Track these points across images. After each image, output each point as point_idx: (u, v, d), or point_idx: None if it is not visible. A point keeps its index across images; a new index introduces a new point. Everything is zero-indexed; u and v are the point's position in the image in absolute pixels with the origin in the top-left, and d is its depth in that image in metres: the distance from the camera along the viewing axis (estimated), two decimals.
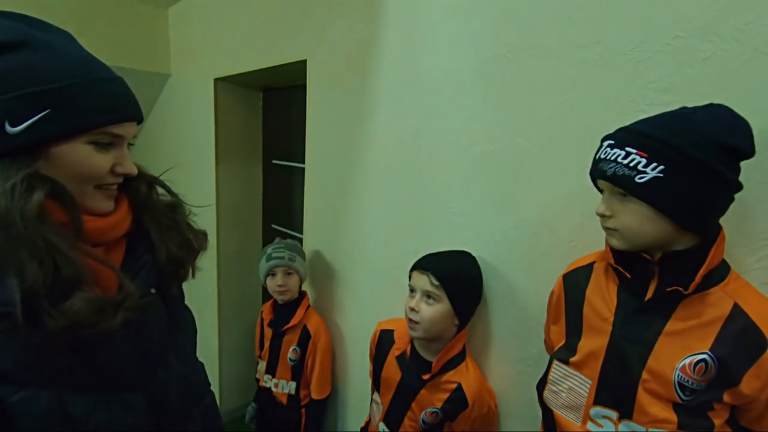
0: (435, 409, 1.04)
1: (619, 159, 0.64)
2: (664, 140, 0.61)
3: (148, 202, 0.69)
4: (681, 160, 0.60)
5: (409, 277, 1.08)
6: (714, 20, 0.70)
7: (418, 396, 1.07)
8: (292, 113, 2.08)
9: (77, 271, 0.54)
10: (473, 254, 1.08)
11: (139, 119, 0.64)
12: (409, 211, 1.27)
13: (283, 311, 1.61)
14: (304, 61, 1.57)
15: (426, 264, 1.04)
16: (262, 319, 1.71)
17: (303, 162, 1.70)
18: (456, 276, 1.02)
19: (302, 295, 1.63)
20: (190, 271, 0.76)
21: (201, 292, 2.43)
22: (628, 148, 0.63)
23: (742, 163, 0.64)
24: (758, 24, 0.66)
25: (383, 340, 1.21)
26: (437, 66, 1.13)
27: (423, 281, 1.03)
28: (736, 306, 0.63)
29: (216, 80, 2.10)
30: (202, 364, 0.85)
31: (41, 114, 0.53)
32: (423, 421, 1.06)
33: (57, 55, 0.56)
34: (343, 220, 1.53)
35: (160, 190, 0.73)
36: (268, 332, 1.65)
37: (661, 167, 0.61)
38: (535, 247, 0.97)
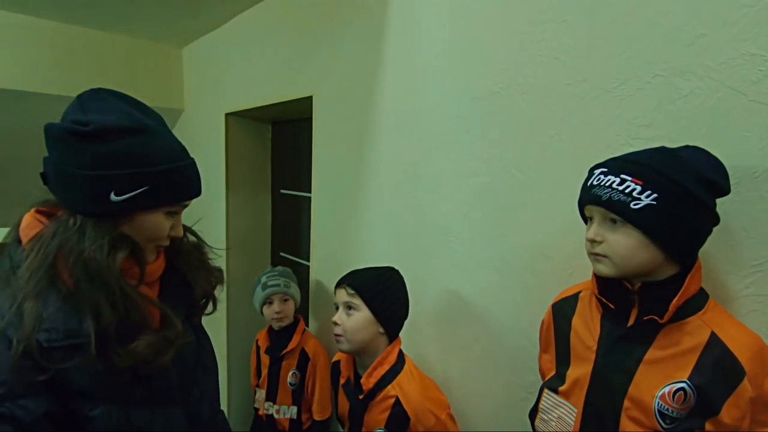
0: (381, 430, 1.03)
1: (614, 185, 0.66)
2: (658, 170, 0.64)
3: (180, 247, 0.81)
4: (674, 190, 0.63)
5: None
6: (690, 60, 0.75)
7: (364, 420, 1.07)
8: (299, 144, 2.16)
9: (143, 316, 0.66)
10: (476, 276, 1.11)
11: (200, 194, 0.77)
12: (411, 239, 1.30)
13: (280, 337, 1.64)
14: (310, 97, 1.65)
15: (342, 279, 1.12)
16: (258, 347, 1.74)
17: (309, 191, 1.76)
18: (370, 283, 1.08)
19: (297, 319, 1.66)
20: (212, 302, 0.88)
21: (210, 318, 2.46)
22: (623, 176, 0.66)
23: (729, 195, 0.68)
24: (729, 64, 0.70)
25: (334, 372, 1.24)
26: (435, 102, 1.19)
27: (341, 294, 1.09)
28: (713, 335, 0.64)
29: (227, 115, 2.19)
30: (218, 386, 0.93)
31: (140, 189, 0.65)
32: None
33: (159, 142, 0.69)
34: (347, 248, 1.57)
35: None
36: (265, 359, 1.67)
37: (655, 195, 0.63)
38: (533, 275, 1.00)
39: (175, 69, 2.60)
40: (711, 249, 0.73)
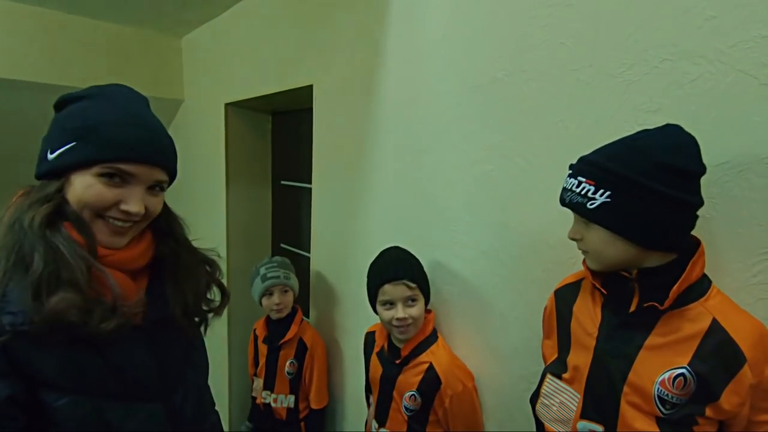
0: (412, 392, 1.10)
1: (573, 188, 0.70)
2: (606, 167, 0.66)
3: (171, 257, 0.76)
4: (622, 185, 0.64)
5: (376, 294, 1.13)
6: (699, 44, 0.73)
7: (397, 383, 1.14)
8: (299, 135, 2.14)
9: (74, 275, 0.60)
10: (479, 266, 1.10)
11: (159, 164, 0.69)
12: (413, 230, 1.29)
13: (278, 326, 1.64)
14: (311, 86, 1.63)
15: (394, 274, 1.11)
16: (255, 337, 1.74)
17: (310, 182, 1.75)
18: (422, 272, 1.15)
19: (295, 309, 1.66)
20: (204, 324, 0.83)
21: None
22: (579, 178, 0.69)
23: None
24: (740, 47, 0.68)
25: (367, 343, 1.30)
26: (437, 90, 1.18)
27: (401, 290, 1.11)
28: (714, 321, 0.64)
29: (227, 105, 2.17)
30: (207, 386, 0.89)
31: (69, 145, 0.64)
32: (406, 407, 1.11)
33: (101, 103, 0.67)
34: (348, 238, 1.56)
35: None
36: (263, 348, 1.67)
37: (608, 193, 0.65)
38: (537, 264, 0.99)
39: (175, 59, 2.58)
40: (717, 236, 0.72)
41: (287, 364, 1.62)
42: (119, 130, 0.65)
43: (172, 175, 0.75)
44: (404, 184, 1.30)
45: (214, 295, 0.84)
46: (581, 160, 0.71)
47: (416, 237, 1.28)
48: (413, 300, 1.11)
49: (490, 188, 1.07)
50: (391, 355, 1.17)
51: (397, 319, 1.09)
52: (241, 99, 2.06)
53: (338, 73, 1.51)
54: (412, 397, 1.10)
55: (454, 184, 1.15)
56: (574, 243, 0.91)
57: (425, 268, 1.17)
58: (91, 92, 0.69)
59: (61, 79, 2.14)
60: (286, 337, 1.61)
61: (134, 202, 0.66)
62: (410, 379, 1.12)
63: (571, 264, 0.92)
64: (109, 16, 2.21)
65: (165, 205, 0.76)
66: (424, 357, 1.12)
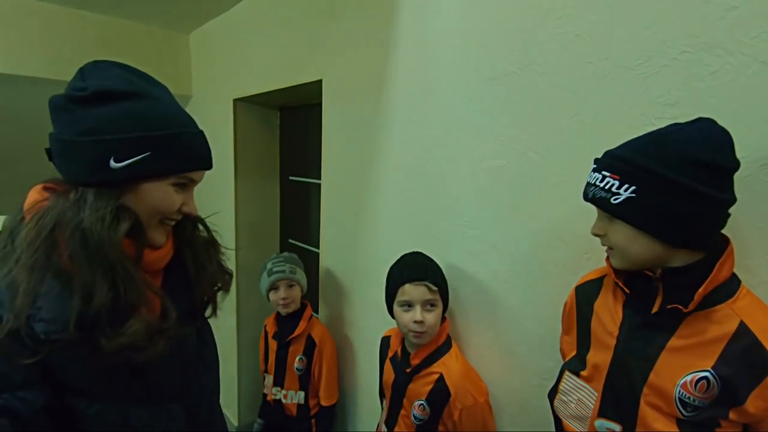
0: (421, 401, 1.08)
1: (597, 182, 0.68)
2: (632, 162, 0.64)
3: (191, 240, 0.77)
4: (649, 180, 0.62)
5: (395, 294, 1.11)
6: (720, 35, 0.71)
7: (407, 391, 1.12)
8: (308, 130, 2.13)
9: (140, 297, 0.61)
10: (490, 261, 1.09)
11: (211, 167, 0.73)
12: (423, 225, 1.29)
13: (287, 322, 1.64)
14: (320, 81, 1.62)
15: (416, 275, 1.09)
16: (266, 333, 1.75)
17: (318, 178, 1.74)
18: (443, 278, 1.12)
19: (304, 305, 1.67)
20: (212, 306, 0.83)
21: (221, 306, 2.47)
22: (603, 172, 0.67)
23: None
24: (763, 38, 0.67)
25: (383, 347, 1.29)
26: (448, 83, 1.16)
27: (421, 292, 1.08)
28: (742, 324, 0.62)
29: (235, 100, 2.17)
30: (218, 391, 0.89)
31: (142, 155, 0.61)
32: (414, 416, 1.10)
33: (161, 106, 0.65)
34: (357, 234, 1.55)
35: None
36: (273, 345, 1.68)
37: (633, 188, 0.64)
38: (550, 260, 0.98)
39: (183, 55, 2.58)
40: (738, 232, 0.71)
41: (296, 360, 1.63)
42: (192, 140, 0.67)
43: None
44: (414, 179, 1.30)
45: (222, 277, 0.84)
46: (607, 154, 0.69)
47: (426, 232, 1.27)
48: (432, 305, 1.08)
49: (502, 183, 1.06)
50: (403, 362, 1.15)
51: (415, 321, 1.06)
52: (249, 94, 2.06)
53: (348, 68, 1.50)
54: (421, 406, 1.09)
55: (465, 179, 1.14)
56: (590, 239, 0.90)
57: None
58: (137, 89, 0.63)
59: (68, 75, 2.13)
60: (295, 333, 1.61)
61: (193, 205, 0.71)
62: (420, 388, 1.10)
63: (586, 260, 0.91)
64: (116, 11, 2.21)
65: None
66: (435, 367, 1.09)
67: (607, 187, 0.66)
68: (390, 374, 1.20)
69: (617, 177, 0.65)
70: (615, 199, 0.65)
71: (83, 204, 0.60)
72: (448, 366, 1.08)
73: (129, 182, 0.62)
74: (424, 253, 1.18)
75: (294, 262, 1.65)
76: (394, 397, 1.17)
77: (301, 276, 1.64)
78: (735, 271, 0.69)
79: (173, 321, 0.65)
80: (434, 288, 1.07)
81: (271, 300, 1.62)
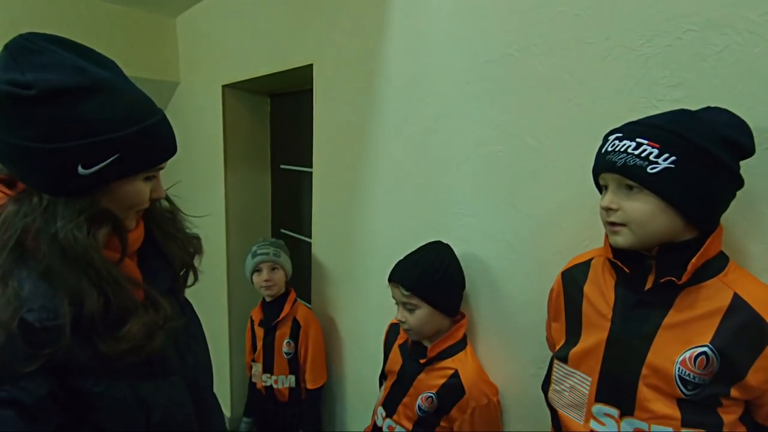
0: (431, 394, 1.06)
1: (629, 150, 0.63)
2: (676, 131, 0.61)
3: (154, 214, 0.75)
4: (693, 152, 0.60)
5: None
6: (727, 13, 0.69)
7: (416, 381, 1.10)
8: (299, 118, 2.09)
9: (130, 300, 0.60)
10: (486, 249, 1.06)
11: (176, 151, 0.70)
12: (417, 212, 1.26)
13: (272, 308, 1.66)
14: (311, 66, 1.57)
15: (393, 275, 1.08)
16: (252, 322, 1.74)
17: (310, 166, 1.71)
18: (423, 279, 1.04)
19: (288, 289, 1.68)
20: (192, 273, 0.82)
21: (212, 297, 2.45)
22: (639, 139, 0.63)
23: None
24: None
25: (391, 333, 1.26)
26: (443, 67, 1.13)
27: (397, 294, 1.07)
28: (736, 296, 0.61)
29: (224, 87, 2.11)
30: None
31: (111, 158, 0.57)
32: (419, 407, 1.08)
33: (120, 98, 0.59)
34: (350, 222, 1.52)
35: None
36: (260, 332, 1.68)
37: (673, 158, 0.60)
38: (546, 247, 0.96)
39: (169, 39, 2.50)
40: (739, 215, 0.69)
41: (284, 344, 1.63)
42: (158, 131, 0.64)
43: None
44: (408, 166, 1.27)
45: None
46: (637, 122, 0.66)
47: (420, 219, 1.25)
48: (412, 307, 1.05)
49: (498, 169, 1.03)
50: (414, 352, 1.13)
51: (398, 319, 1.08)
52: (238, 80, 2.00)
53: (339, 51, 1.46)
54: (429, 399, 1.06)
55: (459, 165, 1.11)
56: (588, 225, 0.89)
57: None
58: (90, 80, 0.56)
59: None
60: (281, 316, 1.62)
61: (161, 189, 0.71)
62: (431, 380, 1.07)
63: (584, 246, 0.89)
64: None
65: None
66: (450, 362, 1.06)
67: (643, 155, 0.61)
68: (397, 361, 1.18)
69: (657, 145, 0.61)
70: (652, 168, 0.61)
71: (52, 214, 0.56)
72: (464, 364, 1.06)
73: (99, 186, 0.59)
74: (441, 247, 1.11)
75: (279, 246, 1.67)
76: (399, 384, 1.15)
77: (285, 260, 1.65)
78: (738, 256, 0.68)
79: (167, 313, 0.66)
80: (406, 293, 1.04)
81: (255, 282, 1.63)
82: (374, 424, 1.21)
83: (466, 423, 1.03)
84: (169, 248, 0.75)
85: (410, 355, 1.14)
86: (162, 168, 0.69)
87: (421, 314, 1.05)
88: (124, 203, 0.63)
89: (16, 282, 0.55)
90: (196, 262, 0.82)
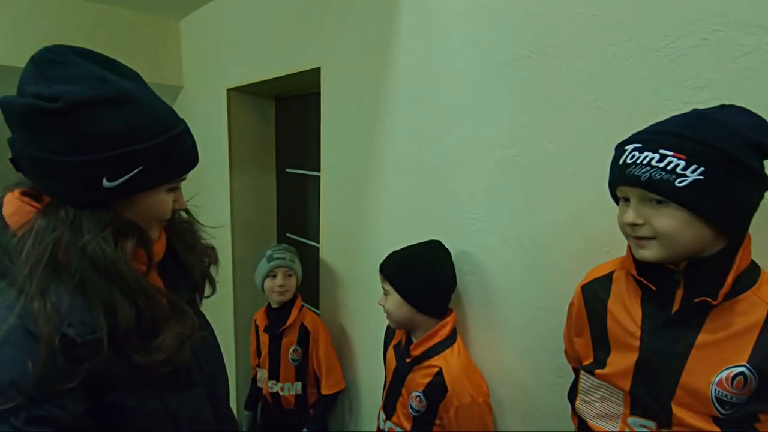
0: (418, 393, 1.07)
1: (653, 163, 0.60)
2: (702, 141, 0.58)
3: (173, 225, 0.75)
4: (721, 160, 0.57)
5: None
6: (755, 12, 0.67)
7: (407, 380, 1.11)
8: (304, 121, 2.07)
9: (161, 310, 0.61)
10: (501, 255, 1.04)
11: (198, 162, 0.70)
12: (428, 217, 1.24)
13: (278, 314, 1.62)
14: (318, 69, 1.55)
15: (380, 264, 1.13)
16: (256, 326, 1.72)
17: (316, 170, 1.69)
18: (397, 269, 1.10)
19: (295, 295, 1.65)
20: (210, 283, 0.82)
21: (217, 300, 2.43)
22: (662, 151, 0.59)
23: None
24: None
25: (387, 334, 1.28)
26: (455, 69, 1.11)
27: (381, 280, 1.13)
28: None
29: (229, 90, 2.10)
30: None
31: (136, 171, 0.57)
32: (411, 407, 1.08)
33: (146, 111, 0.59)
34: (360, 227, 1.50)
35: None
36: (264, 338, 1.65)
37: (701, 169, 0.57)
38: (566, 254, 0.94)
39: (173, 43, 2.49)
40: (761, 221, 0.66)
41: (291, 350, 1.60)
42: (181, 143, 0.63)
43: None
44: (419, 170, 1.25)
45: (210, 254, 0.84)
46: (655, 131, 0.63)
47: (431, 224, 1.23)
48: (385, 292, 1.12)
49: (514, 174, 1.01)
50: (405, 351, 1.14)
51: (379, 302, 1.14)
52: (244, 84, 1.98)
53: (348, 54, 1.44)
54: (418, 398, 1.06)
55: (474, 170, 1.09)
56: (608, 231, 0.86)
57: None
58: (115, 92, 0.56)
59: None
60: (287, 324, 1.59)
61: (182, 200, 0.70)
62: (418, 379, 1.08)
63: (605, 253, 0.87)
64: None
65: None
66: (435, 360, 1.06)
67: (670, 168, 0.58)
68: (392, 361, 1.19)
69: (683, 156, 0.58)
70: (680, 182, 0.58)
71: (79, 227, 0.57)
72: (448, 361, 1.05)
73: (123, 198, 0.60)
74: (433, 245, 1.13)
75: (293, 253, 1.65)
76: (394, 384, 1.16)
77: (298, 267, 1.64)
78: (759, 262, 0.65)
79: (195, 322, 0.66)
80: (382, 276, 1.12)
81: (266, 287, 1.59)
82: (378, 428, 1.21)
83: (452, 422, 1.02)
84: (188, 259, 0.75)
85: (402, 355, 1.15)
86: (184, 179, 0.68)
87: (392, 301, 1.09)
88: (147, 215, 0.64)
89: (53, 297, 0.55)
90: (213, 272, 0.82)
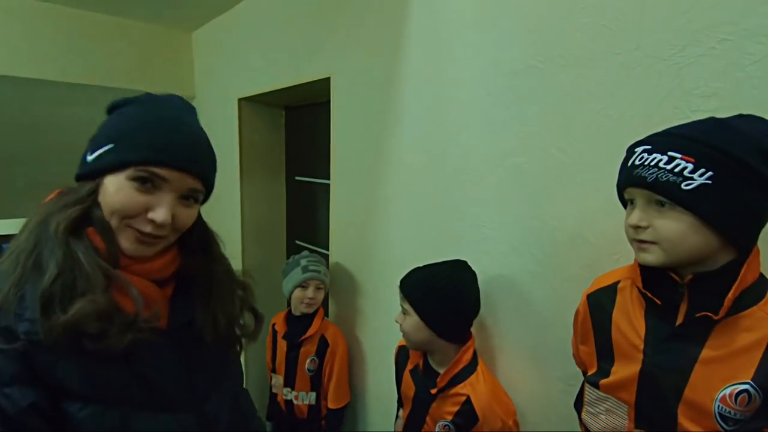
0: (446, 423, 1.03)
1: (661, 164, 0.59)
2: (712, 144, 0.57)
3: (204, 269, 0.72)
4: (731, 166, 0.56)
5: None
6: (763, 21, 0.67)
7: (431, 409, 1.07)
8: (314, 130, 2.09)
9: (90, 285, 0.57)
10: (510, 263, 1.04)
11: (194, 172, 0.64)
12: (437, 225, 1.25)
13: (299, 323, 1.61)
14: (328, 79, 1.58)
15: (400, 281, 1.09)
16: (274, 332, 1.71)
17: (326, 178, 1.70)
18: (418, 288, 1.05)
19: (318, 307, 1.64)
20: (237, 342, 0.80)
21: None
22: (671, 153, 0.58)
23: None
24: None
25: (400, 356, 1.23)
26: (465, 78, 1.12)
27: (400, 298, 1.08)
28: None
29: (240, 100, 2.13)
30: (246, 391, 0.86)
31: (106, 147, 0.61)
32: None
33: (146, 108, 0.65)
34: (369, 235, 1.51)
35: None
36: (283, 345, 1.64)
37: (710, 173, 0.56)
38: (574, 261, 0.94)
39: (185, 54, 2.54)
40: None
41: (308, 361, 1.60)
42: (157, 134, 0.62)
43: (209, 188, 0.70)
44: (429, 178, 1.26)
45: (247, 319, 0.80)
46: (667, 134, 0.62)
47: (441, 232, 1.23)
48: (405, 311, 1.07)
49: (522, 182, 1.02)
50: (426, 377, 1.09)
51: (396, 320, 1.10)
52: (255, 94, 2.02)
53: (357, 64, 1.46)
54: (446, 427, 1.03)
55: (483, 178, 1.10)
56: (618, 238, 0.85)
57: None
58: (142, 98, 0.67)
59: (65, 75, 2.12)
60: (308, 334, 1.58)
61: (162, 210, 0.60)
62: (446, 408, 1.04)
63: (614, 261, 0.87)
64: (116, 10, 2.18)
65: (200, 220, 0.72)
66: (462, 388, 1.02)
67: (677, 170, 0.57)
68: (410, 387, 1.14)
69: (691, 159, 0.57)
70: (687, 185, 0.57)
71: (64, 196, 0.62)
72: (475, 388, 1.02)
73: (96, 175, 0.62)
74: (459, 266, 1.07)
75: (326, 266, 1.64)
76: (416, 412, 1.11)
77: (329, 282, 1.63)
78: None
79: (141, 315, 0.60)
80: (401, 295, 1.07)
81: (295, 296, 1.57)
82: None
83: None
84: (204, 304, 0.71)
85: (422, 382, 1.10)
86: (163, 179, 0.61)
87: (411, 322, 1.05)
88: (108, 202, 0.60)
89: (27, 284, 0.57)
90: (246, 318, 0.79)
